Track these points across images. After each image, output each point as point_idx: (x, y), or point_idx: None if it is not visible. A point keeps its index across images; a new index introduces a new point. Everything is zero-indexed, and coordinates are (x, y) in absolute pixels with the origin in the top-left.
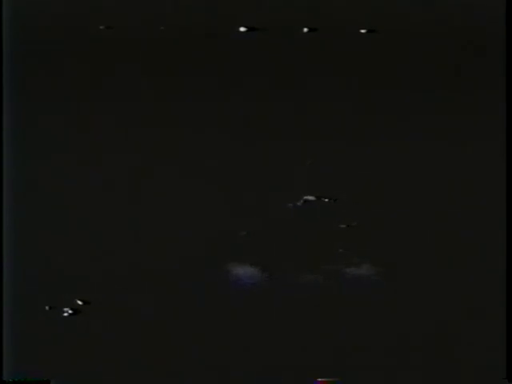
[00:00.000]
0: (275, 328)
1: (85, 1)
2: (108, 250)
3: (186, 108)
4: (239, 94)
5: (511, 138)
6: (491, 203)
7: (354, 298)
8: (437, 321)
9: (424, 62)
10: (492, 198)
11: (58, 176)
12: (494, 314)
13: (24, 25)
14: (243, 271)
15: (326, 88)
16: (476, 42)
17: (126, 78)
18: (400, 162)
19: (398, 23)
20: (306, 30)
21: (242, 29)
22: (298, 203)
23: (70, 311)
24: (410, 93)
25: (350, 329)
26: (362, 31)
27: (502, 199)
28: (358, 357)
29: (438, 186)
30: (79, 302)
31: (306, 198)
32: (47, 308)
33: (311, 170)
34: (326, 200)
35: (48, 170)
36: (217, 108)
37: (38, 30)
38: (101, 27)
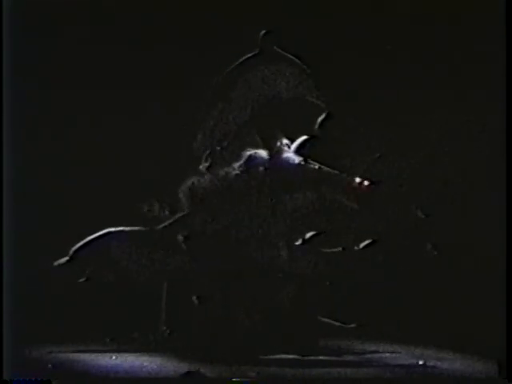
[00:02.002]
0: None
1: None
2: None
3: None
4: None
5: (511, 138)
6: (491, 203)
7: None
8: (436, 320)
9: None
10: (492, 198)
11: (58, 176)
12: (493, 313)
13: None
14: None
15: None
16: (476, 43)
17: (131, 77)
18: (399, 164)
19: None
20: None
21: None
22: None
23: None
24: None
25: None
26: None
27: (502, 199)
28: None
29: (438, 186)
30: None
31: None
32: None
33: None
34: None
35: (48, 170)
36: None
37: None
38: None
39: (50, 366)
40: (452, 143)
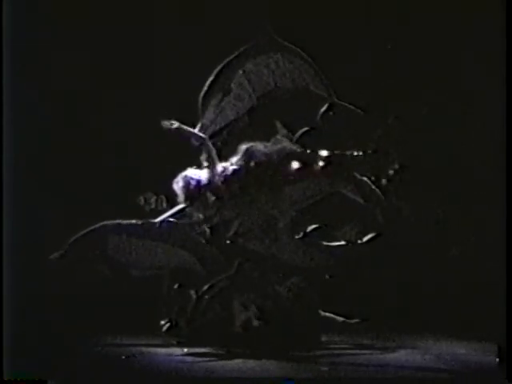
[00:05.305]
0: None
1: None
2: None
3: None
4: None
5: (511, 138)
6: (491, 203)
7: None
8: (437, 320)
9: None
10: (492, 198)
11: (58, 175)
12: (493, 314)
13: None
14: None
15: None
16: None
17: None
18: (400, 170)
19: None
20: None
21: None
22: None
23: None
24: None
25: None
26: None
27: (502, 199)
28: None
29: (438, 187)
30: None
31: None
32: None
33: None
34: None
35: (44, 165)
36: None
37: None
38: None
39: (48, 366)
40: (454, 140)
